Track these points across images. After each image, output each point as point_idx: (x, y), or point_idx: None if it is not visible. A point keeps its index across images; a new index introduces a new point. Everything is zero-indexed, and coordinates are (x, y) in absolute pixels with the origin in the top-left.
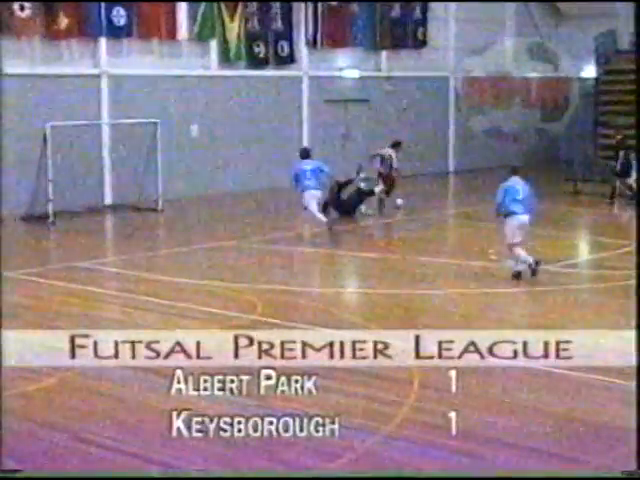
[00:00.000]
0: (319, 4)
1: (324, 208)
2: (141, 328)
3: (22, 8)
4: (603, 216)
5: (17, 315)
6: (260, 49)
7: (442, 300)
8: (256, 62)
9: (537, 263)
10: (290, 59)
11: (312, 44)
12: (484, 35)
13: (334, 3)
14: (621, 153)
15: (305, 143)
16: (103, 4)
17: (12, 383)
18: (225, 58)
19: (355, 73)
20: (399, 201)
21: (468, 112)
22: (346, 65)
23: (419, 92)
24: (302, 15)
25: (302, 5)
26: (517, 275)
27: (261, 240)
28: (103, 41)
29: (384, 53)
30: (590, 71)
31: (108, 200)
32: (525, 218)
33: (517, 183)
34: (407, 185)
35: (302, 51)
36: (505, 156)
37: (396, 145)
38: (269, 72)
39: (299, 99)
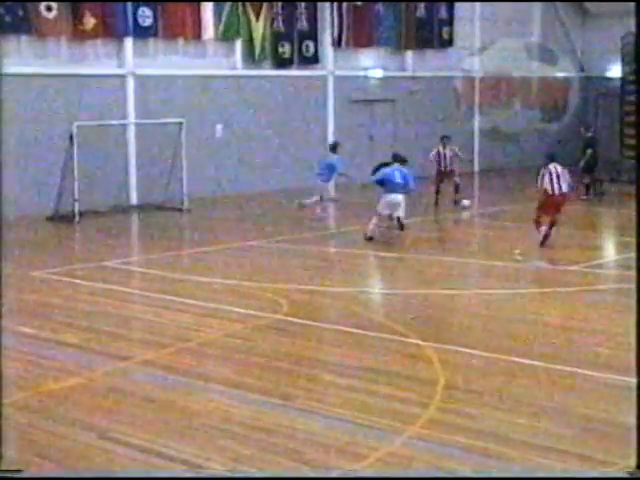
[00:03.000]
0: (344, 4)
1: None
2: (165, 327)
3: (49, 9)
4: (628, 216)
5: (44, 314)
6: (285, 49)
7: (468, 300)
8: (281, 62)
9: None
10: (315, 59)
11: (337, 44)
12: (510, 35)
13: (359, 3)
14: (588, 151)
15: (330, 143)
16: (129, 4)
17: (39, 381)
18: (250, 58)
19: (379, 73)
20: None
21: (468, 112)
22: (371, 65)
23: (444, 92)
24: (327, 15)
25: (327, 5)
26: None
27: (286, 240)
28: (129, 41)
29: (409, 53)
30: (616, 71)
31: (134, 200)
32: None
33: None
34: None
35: (327, 51)
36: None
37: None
38: (294, 72)
39: (324, 99)
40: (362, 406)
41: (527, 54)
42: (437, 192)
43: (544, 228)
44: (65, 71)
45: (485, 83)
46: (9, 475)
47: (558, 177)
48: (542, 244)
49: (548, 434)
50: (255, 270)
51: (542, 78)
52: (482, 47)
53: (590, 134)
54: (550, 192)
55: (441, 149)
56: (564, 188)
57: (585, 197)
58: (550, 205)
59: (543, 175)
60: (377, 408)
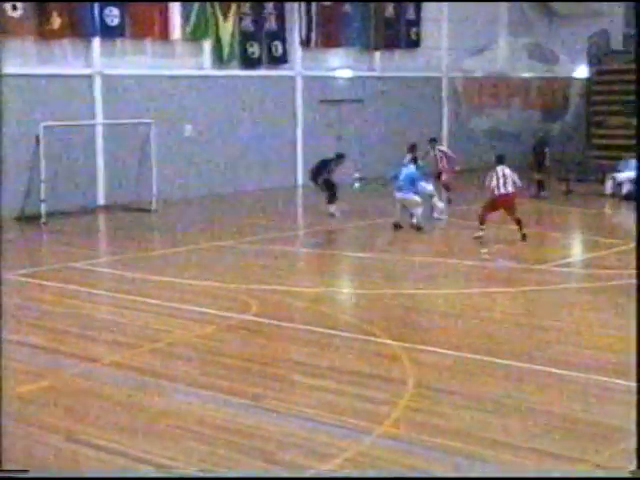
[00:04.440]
0: (312, 4)
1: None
2: (134, 328)
3: (14, 8)
4: (596, 215)
5: (10, 316)
6: (254, 49)
7: (436, 299)
8: (249, 62)
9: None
10: (283, 59)
11: (305, 44)
12: (477, 35)
13: (327, 3)
14: (546, 150)
15: (299, 143)
16: (96, 4)
17: (5, 384)
18: (218, 58)
19: (348, 73)
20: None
21: (468, 112)
22: (339, 65)
23: (412, 92)
24: (295, 15)
25: (295, 5)
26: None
27: (255, 240)
28: (96, 41)
29: (377, 53)
30: (583, 71)
31: (101, 200)
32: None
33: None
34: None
35: (296, 51)
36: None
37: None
38: (263, 72)
39: (293, 99)
40: (332, 406)
41: (527, 54)
42: None
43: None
44: (31, 71)
45: (484, 83)
46: (11, 475)
47: (505, 178)
48: (477, 240)
49: (518, 432)
50: (224, 271)
51: (542, 78)
52: (482, 47)
53: (542, 134)
54: (496, 193)
55: (431, 152)
56: (509, 189)
57: (543, 195)
58: (493, 205)
59: (491, 177)
60: (347, 408)
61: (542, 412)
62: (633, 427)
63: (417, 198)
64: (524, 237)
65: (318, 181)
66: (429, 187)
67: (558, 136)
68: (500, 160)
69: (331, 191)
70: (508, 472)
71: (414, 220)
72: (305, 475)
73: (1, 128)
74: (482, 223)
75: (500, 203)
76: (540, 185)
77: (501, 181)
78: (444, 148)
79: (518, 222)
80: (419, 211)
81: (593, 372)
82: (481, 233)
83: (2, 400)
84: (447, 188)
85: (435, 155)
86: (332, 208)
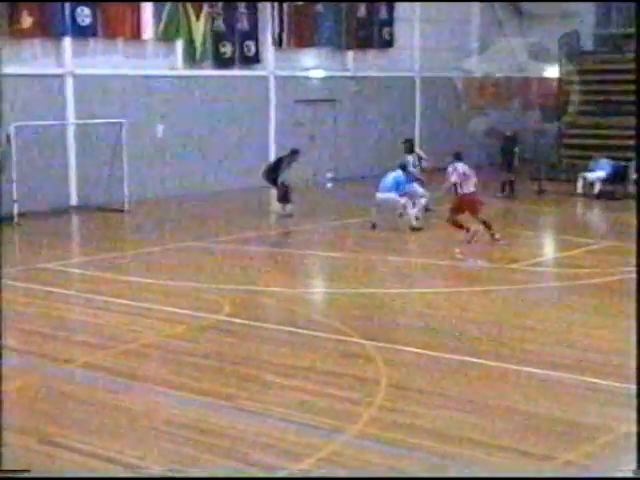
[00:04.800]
0: (285, 4)
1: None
2: (106, 329)
3: None
4: (568, 215)
5: None
6: (226, 49)
7: (410, 299)
8: (222, 62)
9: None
10: (256, 59)
11: (278, 44)
12: (450, 35)
13: (300, 3)
14: (515, 150)
15: (272, 143)
16: (67, 4)
17: None
18: (191, 58)
19: (321, 73)
20: (289, 207)
21: (468, 112)
22: (312, 65)
23: (385, 92)
24: (268, 15)
25: (268, 5)
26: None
27: (228, 240)
28: (68, 41)
29: (350, 53)
30: (553, 71)
31: (74, 201)
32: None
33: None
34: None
35: (268, 51)
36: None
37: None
38: (235, 72)
39: (266, 99)
40: (305, 406)
41: (527, 54)
42: None
43: (472, 228)
44: (2, 71)
45: (482, 83)
46: (11, 475)
47: (466, 177)
48: (469, 242)
49: (490, 431)
50: (197, 271)
51: (542, 78)
52: (482, 48)
53: (510, 133)
54: (459, 192)
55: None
56: (472, 189)
57: (507, 194)
58: (460, 206)
59: (451, 173)
60: (320, 408)
61: (516, 411)
62: (609, 425)
63: (398, 199)
64: (493, 237)
65: (276, 180)
66: (420, 189)
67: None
68: (458, 157)
69: (284, 190)
70: (483, 471)
71: (414, 222)
72: (278, 475)
73: (1, 128)
74: (460, 227)
75: (465, 203)
76: (511, 185)
77: (463, 179)
78: (420, 152)
79: (484, 223)
80: (413, 212)
81: (567, 371)
82: (473, 236)
83: (2, 400)
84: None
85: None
86: (288, 208)
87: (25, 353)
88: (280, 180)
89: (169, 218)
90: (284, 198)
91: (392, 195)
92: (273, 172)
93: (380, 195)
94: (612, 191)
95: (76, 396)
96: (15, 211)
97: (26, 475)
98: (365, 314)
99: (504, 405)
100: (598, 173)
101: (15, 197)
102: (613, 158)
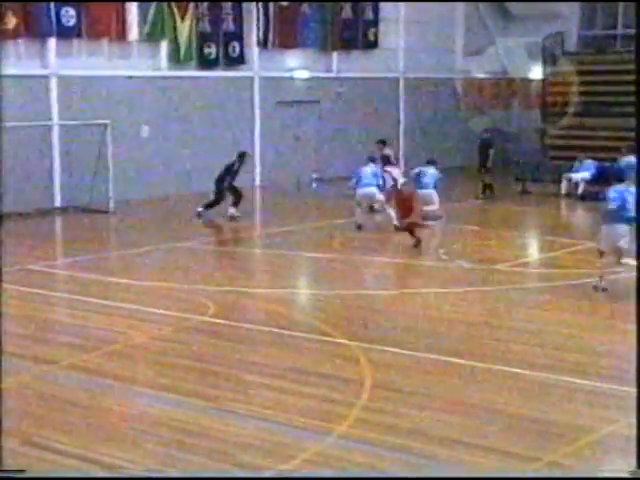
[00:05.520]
0: (270, 5)
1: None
2: (91, 330)
3: None
4: (552, 216)
5: None
6: (211, 50)
7: (394, 300)
8: (207, 63)
9: None
10: (241, 60)
11: (263, 45)
12: (434, 36)
13: (285, 4)
14: (491, 151)
15: (257, 144)
16: (52, 4)
17: None
18: (175, 59)
19: (305, 74)
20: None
21: (468, 113)
22: (297, 66)
23: (370, 93)
24: (253, 16)
25: (253, 6)
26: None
27: (213, 241)
28: (52, 41)
29: (335, 54)
30: (537, 72)
31: (58, 202)
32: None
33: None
34: None
35: (253, 52)
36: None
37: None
38: (220, 73)
39: (250, 100)
40: (290, 407)
41: (527, 54)
42: None
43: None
44: (1, 71)
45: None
46: (10, 475)
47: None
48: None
49: (474, 431)
50: (182, 272)
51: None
52: (482, 48)
53: (487, 135)
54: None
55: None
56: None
57: (488, 196)
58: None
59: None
60: (305, 408)
61: (500, 412)
62: (594, 425)
63: (379, 194)
64: (418, 244)
65: (223, 186)
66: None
67: (514, 136)
68: (387, 160)
69: (236, 194)
70: (466, 472)
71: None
72: (264, 475)
73: (1, 128)
74: (411, 232)
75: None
76: (489, 186)
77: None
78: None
79: (408, 228)
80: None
81: (552, 371)
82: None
83: (1, 400)
84: None
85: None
86: (232, 210)
87: (9, 355)
88: (232, 186)
89: (154, 219)
90: (235, 202)
91: (374, 190)
92: (221, 180)
93: (362, 191)
94: (596, 192)
95: (60, 397)
96: None
97: (25, 475)
98: (350, 315)
99: (488, 406)
100: (582, 174)
101: None
102: (598, 159)
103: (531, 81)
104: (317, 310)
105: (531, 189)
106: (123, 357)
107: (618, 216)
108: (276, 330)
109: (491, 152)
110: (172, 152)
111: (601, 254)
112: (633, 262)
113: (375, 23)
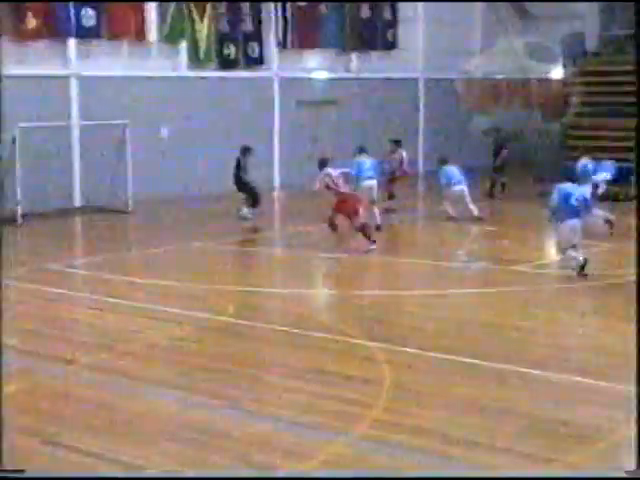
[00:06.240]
0: (288, 5)
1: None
2: (110, 330)
3: None
4: None
5: None
6: (230, 50)
7: (413, 300)
8: (226, 63)
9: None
10: (260, 60)
11: (282, 45)
12: (453, 36)
13: (303, 4)
14: (504, 151)
15: (275, 144)
16: (72, 5)
17: None
18: (195, 59)
19: (324, 74)
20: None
21: (468, 113)
22: (316, 66)
23: (389, 93)
24: (272, 16)
25: (272, 6)
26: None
27: (232, 241)
28: (72, 42)
29: (354, 54)
30: (557, 73)
31: (77, 202)
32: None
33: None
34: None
35: (272, 52)
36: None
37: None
38: (239, 73)
39: (269, 100)
40: (308, 407)
41: (527, 54)
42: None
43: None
44: (7, 72)
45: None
46: (9, 475)
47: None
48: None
49: (493, 433)
50: (200, 272)
51: (542, 78)
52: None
53: (501, 135)
54: (341, 190)
55: (395, 154)
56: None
57: (501, 196)
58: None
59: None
60: (323, 409)
61: (518, 412)
62: (610, 427)
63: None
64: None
65: (242, 181)
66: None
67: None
68: (323, 164)
69: (253, 195)
70: (484, 472)
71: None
72: (282, 475)
73: (1, 128)
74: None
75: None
76: (501, 185)
77: (340, 180)
78: (405, 153)
79: (362, 229)
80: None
81: (569, 373)
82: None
83: (2, 400)
84: (391, 196)
85: (400, 159)
86: (245, 210)
87: (29, 353)
88: (244, 184)
89: (173, 219)
90: (256, 203)
91: (375, 182)
92: (236, 177)
93: (366, 183)
94: (616, 192)
95: (79, 397)
96: (19, 212)
97: (24, 475)
98: (369, 315)
99: (507, 407)
100: (602, 175)
101: (19, 198)
102: (617, 160)
103: (550, 81)
104: (336, 310)
105: (550, 189)
106: (141, 356)
107: (576, 212)
108: (294, 330)
109: (504, 152)
110: (191, 152)
111: (572, 247)
112: (575, 253)
113: (394, 23)
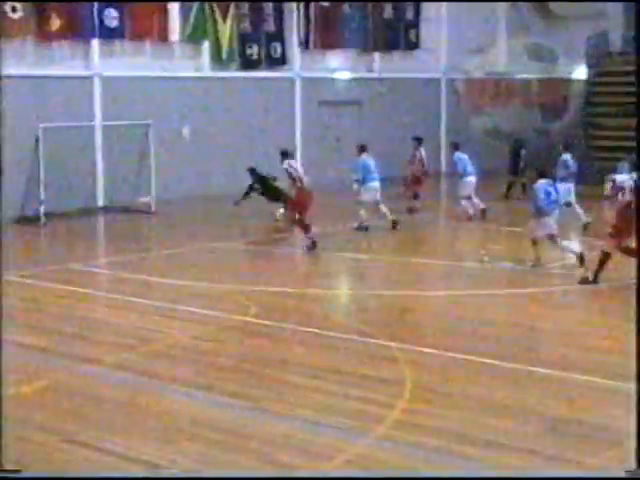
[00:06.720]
0: (311, 5)
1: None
2: (132, 329)
3: (14, 9)
4: (594, 217)
5: (8, 317)
6: (252, 50)
7: (434, 301)
8: (248, 63)
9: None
10: (282, 60)
11: (304, 45)
12: (476, 36)
13: (326, 4)
14: (523, 152)
15: (298, 144)
16: (95, 5)
17: (4, 385)
18: (217, 59)
19: (347, 75)
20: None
21: (468, 112)
22: (338, 66)
23: (411, 94)
24: (294, 16)
25: (294, 6)
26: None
27: (254, 241)
28: (95, 42)
29: (376, 55)
30: (581, 73)
31: (100, 202)
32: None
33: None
34: (399, 187)
35: (294, 52)
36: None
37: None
38: (261, 73)
39: (292, 101)
40: (329, 407)
41: (527, 54)
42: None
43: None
44: (31, 72)
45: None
46: (8, 475)
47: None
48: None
49: (514, 434)
50: (222, 272)
51: (542, 78)
52: (482, 47)
53: (517, 137)
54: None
55: (417, 153)
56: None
57: (523, 196)
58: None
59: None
60: (344, 409)
61: (540, 414)
62: (630, 429)
63: None
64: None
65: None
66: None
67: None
68: (285, 155)
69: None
70: (505, 473)
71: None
72: (303, 475)
73: (1, 128)
74: (306, 229)
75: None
76: (523, 186)
77: (301, 173)
78: (424, 152)
79: (299, 224)
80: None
81: (592, 374)
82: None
83: (2, 400)
84: (415, 196)
85: (419, 157)
86: (282, 211)
87: (52, 352)
88: (277, 192)
89: (195, 219)
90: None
91: (378, 184)
92: (269, 189)
93: (373, 184)
94: None
95: (102, 396)
96: (42, 212)
97: (24, 475)
98: (390, 316)
99: (527, 408)
100: (625, 175)
101: (42, 198)
102: None
103: (576, 81)
104: (357, 311)
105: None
106: (164, 356)
107: (556, 204)
108: (316, 330)
109: (523, 152)
110: (213, 152)
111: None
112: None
113: (416, 23)
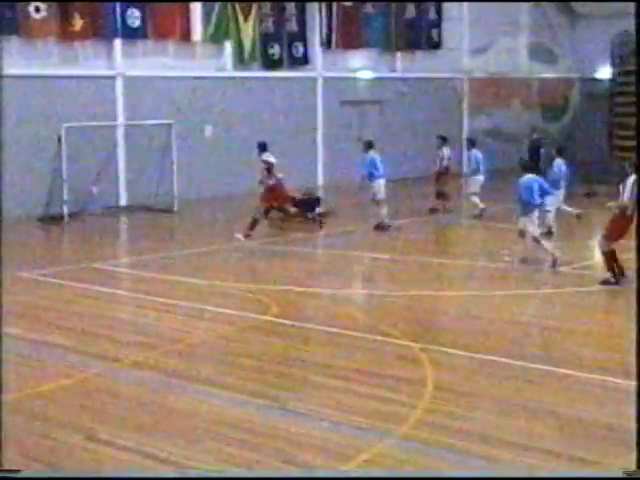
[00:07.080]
0: (333, 5)
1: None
2: (155, 328)
3: (37, 10)
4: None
5: (31, 315)
6: (275, 50)
7: (456, 301)
8: (270, 63)
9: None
10: (304, 60)
11: (326, 45)
12: (498, 36)
13: (348, 4)
14: (541, 151)
15: (319, 144)
16: (118, 5)
17: (27, 383)
18: (239, 59)
19: (369, 74)
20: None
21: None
22: (360, 66)
23: (433, 93)
24: (316, 16)
25: (316, 6)
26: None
27: (275, 241)
28: (118, 42)
29: (398, 54)
30: (605, 72)
31: (123, 201)
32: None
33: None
34: (421, 186)
35: (317, 52)
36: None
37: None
38: (283, 73)
39: (314, 100)
40: (351, 407)
41: (527, 54)
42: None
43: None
44: (54, 72)
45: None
46: (8, 475)
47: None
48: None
49: (536, 435)
50: (244, 271)
51: (542, 78)
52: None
53: (536, 136)
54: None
55: (440, 152)
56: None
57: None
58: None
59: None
60: (366, 409)
61: (562, 415)
62: None
63: None
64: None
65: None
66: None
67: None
68: (263, 147)
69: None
70: (525, 474)
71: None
72: (323, 475)
73: (1, 128)
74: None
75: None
76: None
77: (276, 175)
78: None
79: (254, 221)
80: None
81: (612, 375)
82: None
83: (2, 400)
84: (439, 195)
85: (441, 156)
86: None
87: (74, 351)
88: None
89: (217, 219)
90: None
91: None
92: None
93: (382, 181)
94: None
95: (124, 394)
96: (65, 211)
97: (25, 475)
98: (412, 316)
99: (549, 409)
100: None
101: (65, 197)
102: None
103: (600, 81)
104: (379, 310)
105: (598, 191)
106: (186, 355)
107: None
108: (338, 330)
109: (542, 152)
110: (235, 152)
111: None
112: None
113: (438, 23)
